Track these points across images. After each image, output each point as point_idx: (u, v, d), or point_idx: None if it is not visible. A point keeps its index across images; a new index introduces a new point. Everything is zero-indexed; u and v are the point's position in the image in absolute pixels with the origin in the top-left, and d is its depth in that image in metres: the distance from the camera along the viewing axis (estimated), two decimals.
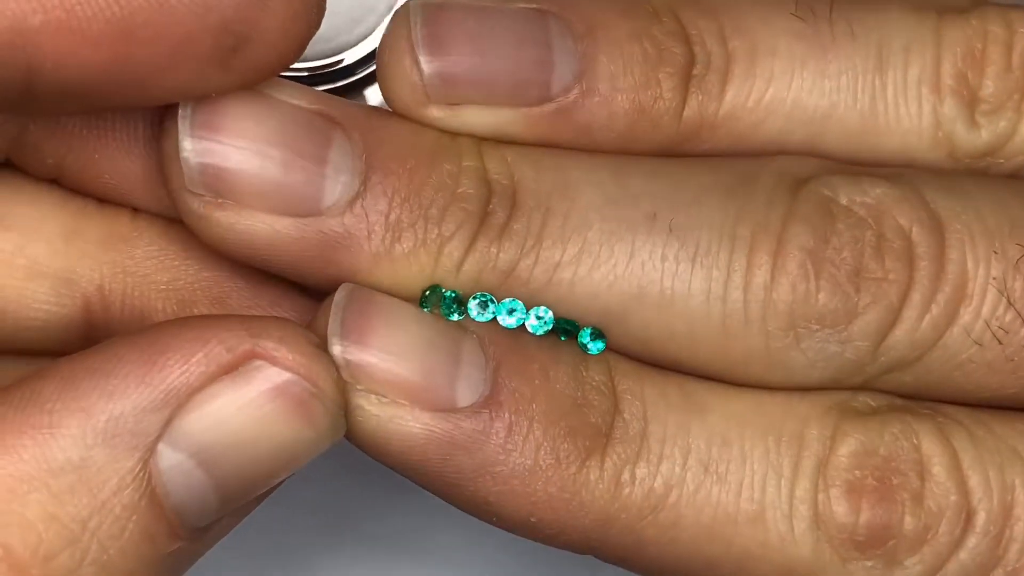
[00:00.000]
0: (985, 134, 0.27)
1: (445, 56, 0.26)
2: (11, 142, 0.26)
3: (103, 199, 0.27)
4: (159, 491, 0.22)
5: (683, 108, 0.27)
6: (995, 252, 0.26)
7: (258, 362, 0.23)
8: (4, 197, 0.27)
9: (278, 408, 0.23)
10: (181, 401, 0.22)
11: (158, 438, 0.22)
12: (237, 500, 0.23)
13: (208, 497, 0.23)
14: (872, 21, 0.27)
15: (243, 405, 0.22)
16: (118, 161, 0.26)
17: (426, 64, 0.26)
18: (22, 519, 0.21)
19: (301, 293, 0.27)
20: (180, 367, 0.22)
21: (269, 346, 0.23)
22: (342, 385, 0.24)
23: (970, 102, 0.27)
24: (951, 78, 0.27)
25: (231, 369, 0.22)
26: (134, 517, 0.22)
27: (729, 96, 0.27)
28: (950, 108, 0.27)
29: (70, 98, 0.23)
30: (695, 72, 0.27)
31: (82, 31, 0.22)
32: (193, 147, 0.24)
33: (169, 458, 0.22)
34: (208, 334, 0.22)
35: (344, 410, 0.24)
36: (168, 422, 0.22)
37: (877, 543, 0.25)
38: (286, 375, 0.23)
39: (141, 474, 0.22)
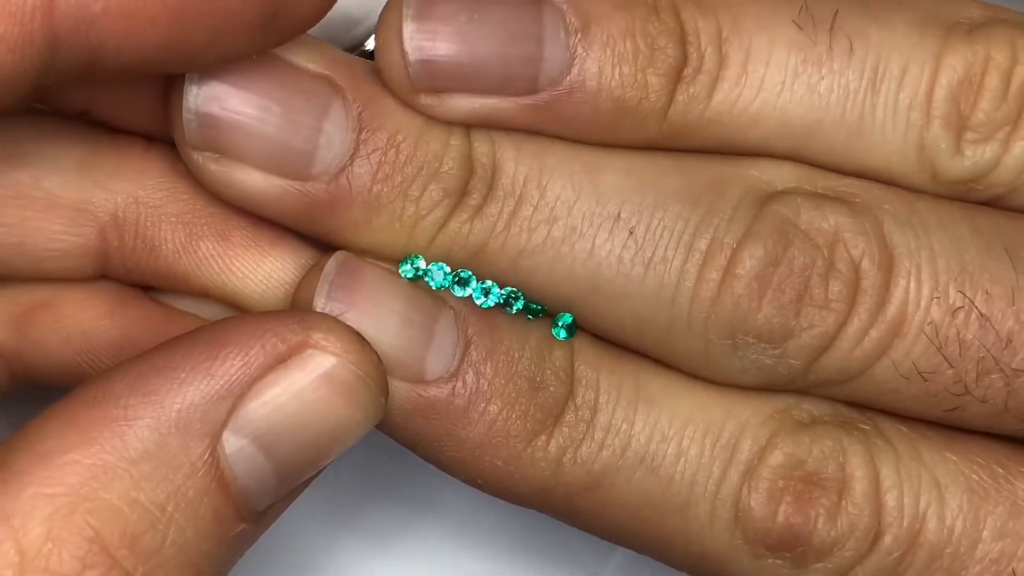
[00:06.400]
0: (968, 162, 0.27)
1: (432, 48, 0.26)
2: (41, 92, 0.27)
3: (117, 129, 0.28)
4: (227, 475, 0.23)
5: (669, 108, 0.27)
6: (937, 298, 0.27)
7: (310, 351, 0.24)
8: (19, 133, 0.27)
9: (329, 392, 0.24)
10: (243, 390, 0.24)
11: (224, 425, 0.23)
12: (293, 481, 0.25)
13: (268, 479, 0.24)
14: (874, 36, 0.27)
15: (299, 391, 0.24)
16: (143, 97, 0.27)
17: (412, 54, 0.26)
18: (108, 504, 0.22)
19: (299, 235, 0.28)
20: (241, 359, 0.24)
21: (319, 336, 0.24)
22: (383, 369, 0.25)
23: (958, 129, 0.27)
24: (943, 103, 0.27)
25: (286, 358, 0.24)
26: (206, 500, 0.23)
27: (716, 100, 0.27)
28: (937, 133, 0.27)
29: (128, 71, 0.24)
30: (685, 73, 0.27)
31: (140, 13, 0.23)
32: (196, 104, 0.26)
33: (234, 444, 0.23)
34: (264, 328, 0.24)
35: (386, 392, 0.25)
36: (232, 410, 0.23)
37: (787, 547, 0.27)
38: (335, 361, 0.24)
39: (210, 459, 0.23)
